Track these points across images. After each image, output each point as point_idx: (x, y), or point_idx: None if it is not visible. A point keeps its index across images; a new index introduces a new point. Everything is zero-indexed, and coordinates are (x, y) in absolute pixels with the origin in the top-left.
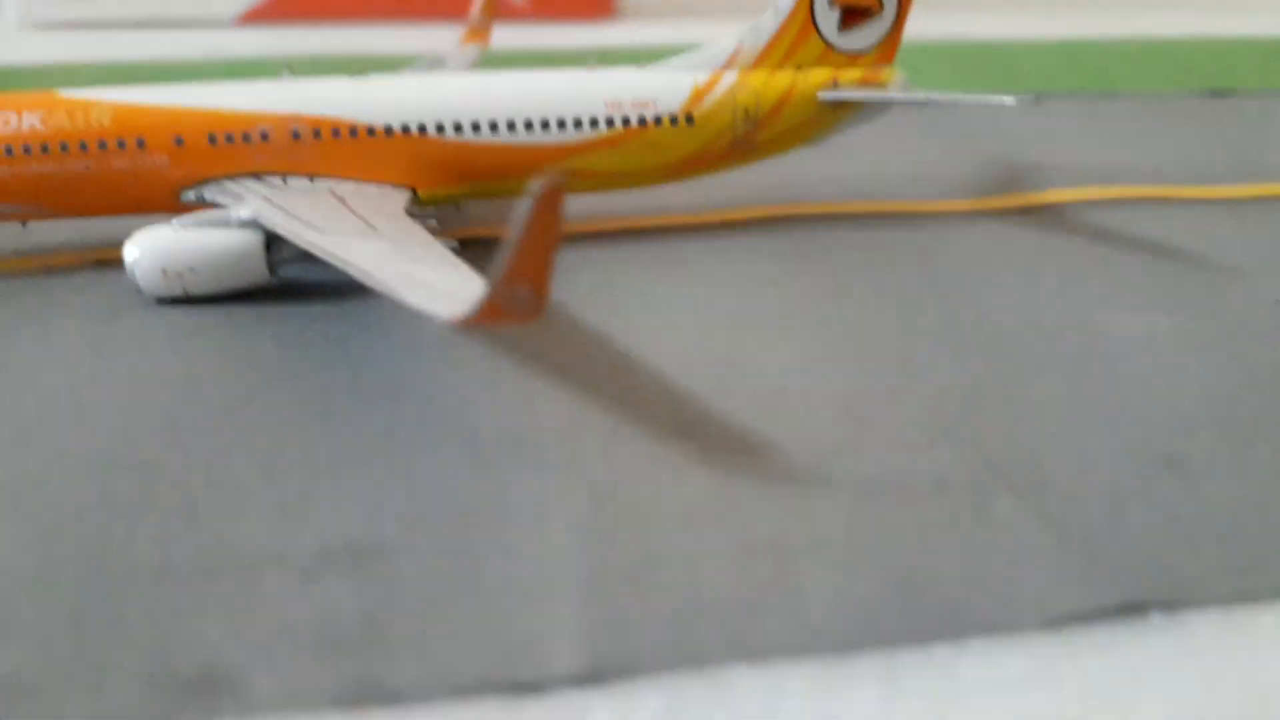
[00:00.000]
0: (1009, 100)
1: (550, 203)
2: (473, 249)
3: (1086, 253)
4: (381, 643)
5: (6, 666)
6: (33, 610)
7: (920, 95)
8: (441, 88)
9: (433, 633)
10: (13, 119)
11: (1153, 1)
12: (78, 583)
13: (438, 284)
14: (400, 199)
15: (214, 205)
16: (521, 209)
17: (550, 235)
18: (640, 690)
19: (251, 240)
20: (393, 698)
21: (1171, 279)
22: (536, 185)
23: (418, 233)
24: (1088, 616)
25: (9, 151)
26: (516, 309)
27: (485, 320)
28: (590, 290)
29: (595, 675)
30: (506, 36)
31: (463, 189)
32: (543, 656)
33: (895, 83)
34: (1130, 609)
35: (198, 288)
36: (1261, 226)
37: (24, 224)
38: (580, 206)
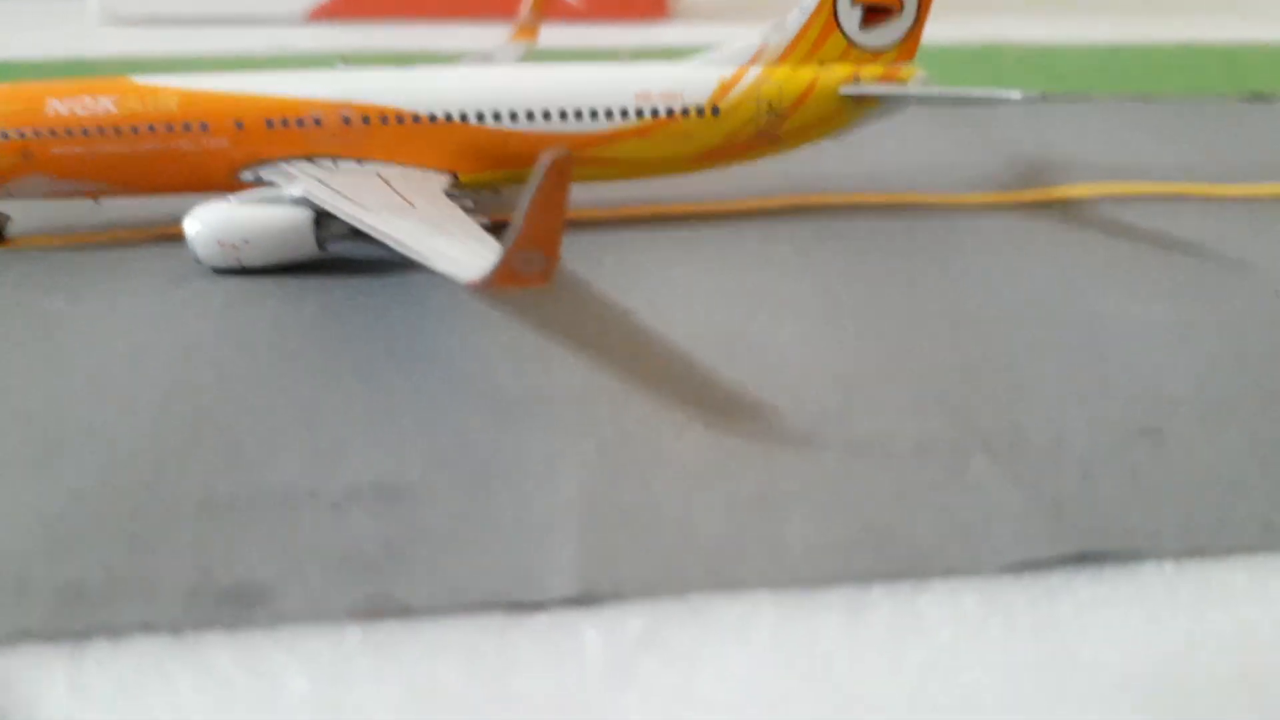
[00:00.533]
0: (1015, 95)
1: (558, 175)
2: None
3: (1096, 245)
4: (398, 566)
5: (72, 574)
6: (95, 530)
7: (936, 91)
8: (482, 79)
9: (445, 559)
10: (89, 102)
11: (1193, 6)
12: (134, 509)
13: (464, 254)
14: (441, 182)
15: (269, 184)
16: (531, 180)
17: (557, 204)
18: (625, 612)
19: (302, 216)
20: (404, 611)
21: (1177, 272)
22: (545, 159)
23: (453, 211)
24: (1046, 565)
25: (85, 132)
26: (529, 272)
27: (501, 283)
28: (613, 269)
29: (585, 598)
30: (562, 35)
31: (500, 174)
32: (541, 581)
33: (915, 79)
34: (1087, 558)
35: (252, 259)
36: (1277, 224)
37: (96, 200)
38: (608, 193)
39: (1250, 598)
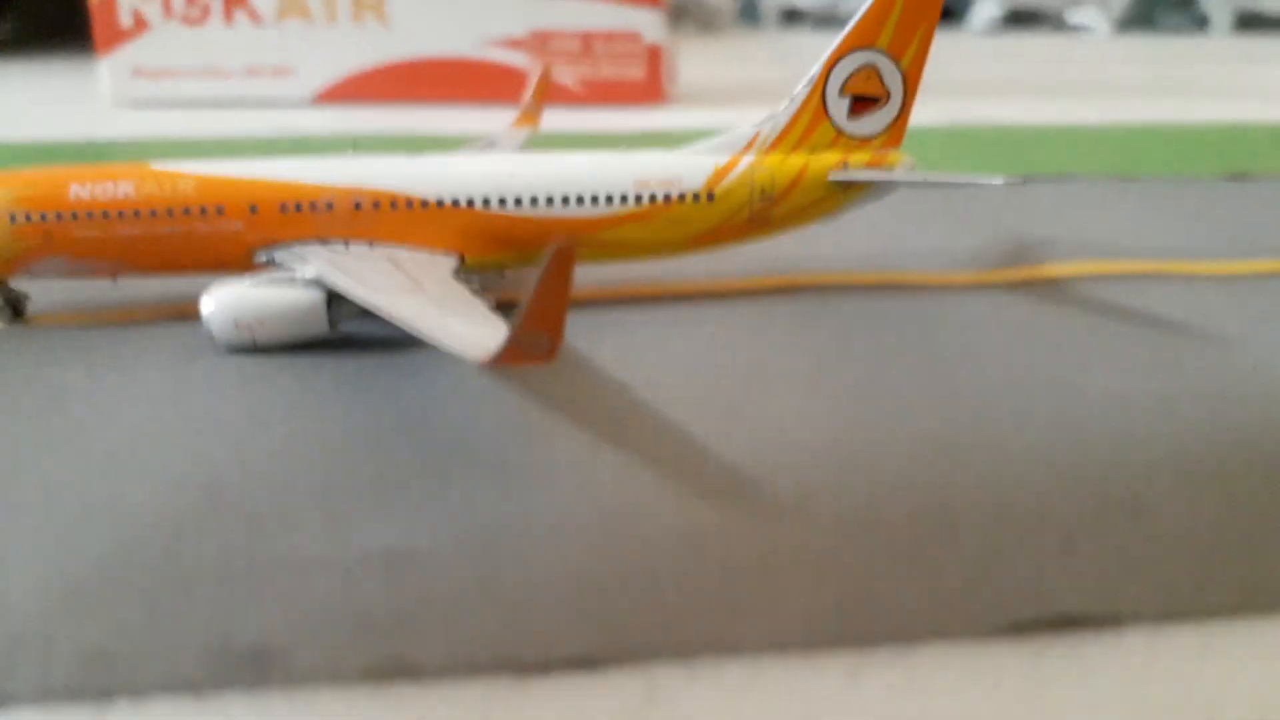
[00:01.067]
0: (997, 181)
1: (563, 262)
2: (512, 308)
3: (1078, 322)
4: (408, 630)
5: (97, 638)
6: (117, 597)
7: (922, 176)
8: (488, 166)
9: (452, 623)
10: (109, 186)
11: (1176, 88)
12: (155, 577)
13: (472, 333)
14: (449, 264)
15: (283, 265)
16: (538, 267)
17: (562, 289)
18: (627, 676)
19: (315, 297)
20: (414, 672)
21: (1156, 347)
22: (551, 247)
23: (460, 292)
24: (1030, 628)
25: (105, 215)
26: (534, 352)
27: (508, 361)
28: (614, 346)
29: (588, 661)
30: (561, 120)
31: (505, 256)
32: (545, 645)
33: (902, 165)
34: (1070, 622)
35: (265, 338)
36: (1253, 300)
37: (114, 280)
38: (609, 273)
39: (1230, 661)
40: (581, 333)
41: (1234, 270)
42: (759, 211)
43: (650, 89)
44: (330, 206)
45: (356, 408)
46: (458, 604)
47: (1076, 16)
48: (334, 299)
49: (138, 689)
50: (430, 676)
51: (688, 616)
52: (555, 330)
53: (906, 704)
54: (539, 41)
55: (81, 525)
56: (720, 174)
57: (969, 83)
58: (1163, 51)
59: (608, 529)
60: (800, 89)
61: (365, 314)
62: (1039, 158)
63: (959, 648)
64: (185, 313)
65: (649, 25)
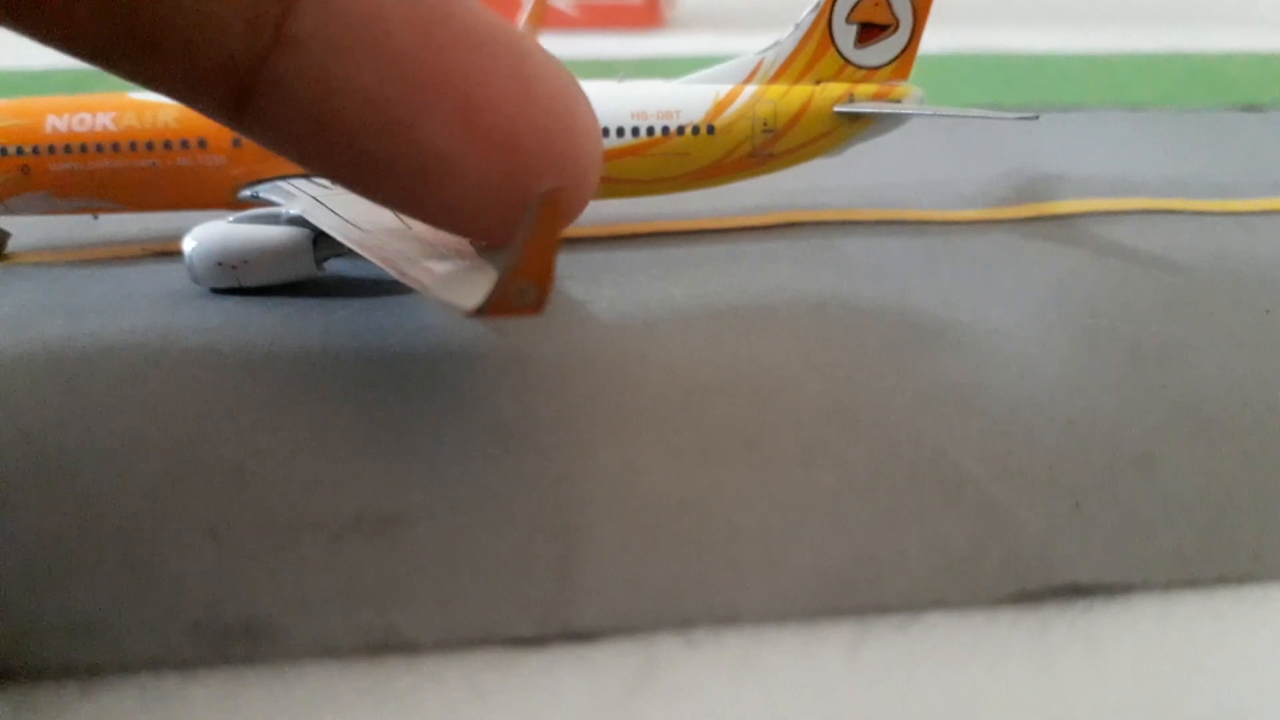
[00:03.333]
0: (1008, 115)
1: (551, 207)
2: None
3: (1088, 262)
4: (399, 598)
5: (78, 610)
6: (100, 563)
7: (931, 110)
8: None
9: (444, 592)
10: (88, 119)
11: (1187, 17)
12: (140, 541)
13: (458, 279)
14: None
15: (268, 202)
16: (526, 214)
17: (550, 237)
18: (623, 646)
19: (301, 236)
20: (406, 645)
21: (1169, 289)
22: (539, 192)
23: (448, 235)
24: (1038, 597)
25: (83, 149)
26: (522, 302)
27: (495, 312)
28: (611, 290)
29: (585, 632)
30: (556, 45)
31: None
32: (542, 615)
33: (910, 97)
34: (1079, 591)
35: (250, 279)
36: (1267, 239)
37: (95, 217)
38: (606, 211)
39: (1241, 628)
40: (576, 275)
41: (1249, 208)
42: (761, 145)
43: (648, 13)
44: None
45: (345, 356)
46: (448, 572)
47: None
48: (320, 237)
49: (124, 665)
50: (421, 649)
51: (687, 584)
52: (544, 280)
53: (910, 675)
54: None
55: (64, 480)
56: (721, 105)
57: (978, 9)
58: None
59: (604, 489)
60: (805, 15)
61: (353, 252)
62: (1048, 87)
63: (964, 617)
64: (169, 250)
65: None
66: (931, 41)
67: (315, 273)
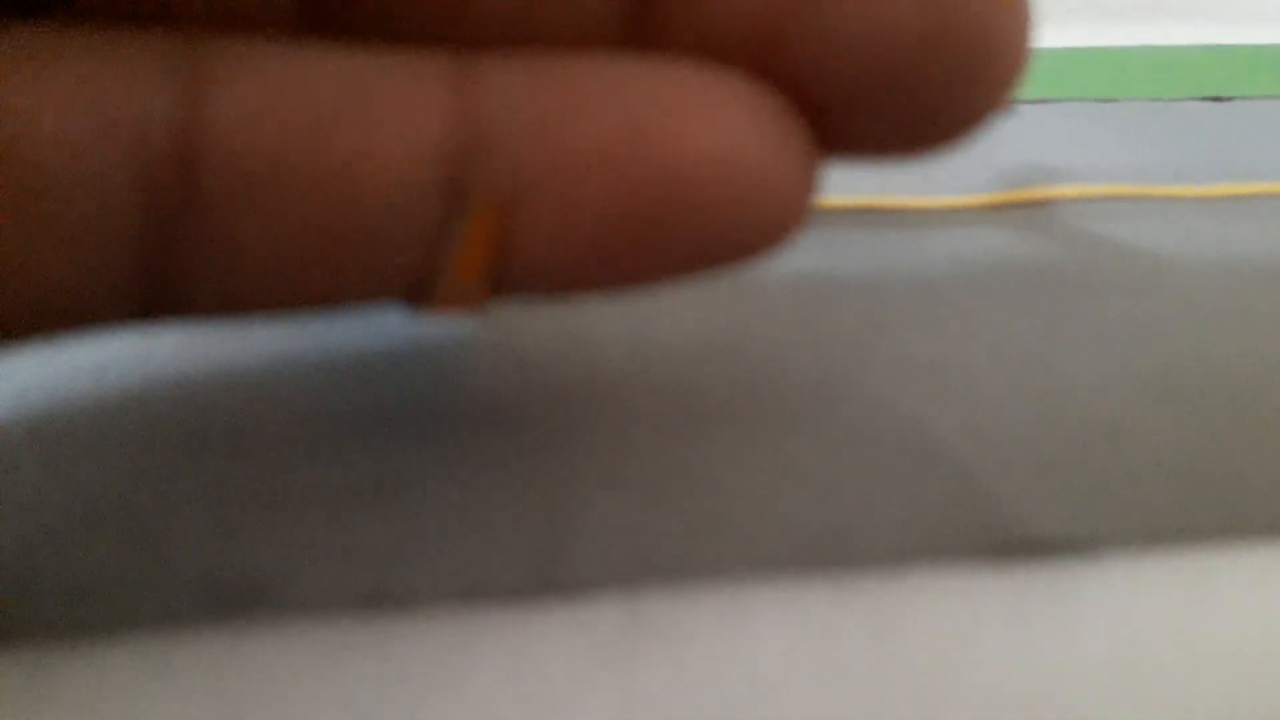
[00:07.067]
0: None
1: (483, 218)
2: None
3: (1061, 246)
4: (395, 557)
5: (80, 574)
6: (100, 529)
7: None
8: None
9: (440, 548)
10: None
11: (1158, 11)
12: (139, 507)
13: None
14: None
15: None
16: (455, 221)
17: (484, 244)
18: (605, 600)
19: None
20: (404, 600)
21: (1138, 271)
22: (475, 195)
23: None
24: (1010, 551)
25: None
26: (463, 301)
27: (436, 310)
28: None
29: (563, 584)
30: None
31: None
32: (534, 569)
33: None
34: (1048, 546)
35: None
36: (1233, 223)
37: None
38: None
39: (1212, 589)
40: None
41: (1215, 193)
42: None
43: None
44: None
45: (346, 331)
46: (444, 531)
47: None
48: None
49: (125, 625)
50: (417, 603)
51: (673, 541)
52: (482, 280)
53: (889, 625)
54: None
55: (63, 456)
56: None
57: None
58: None
59: (585, 454)
60: None
61: None
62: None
63: (940, 573)
64: None
65: None
66: None
67: None
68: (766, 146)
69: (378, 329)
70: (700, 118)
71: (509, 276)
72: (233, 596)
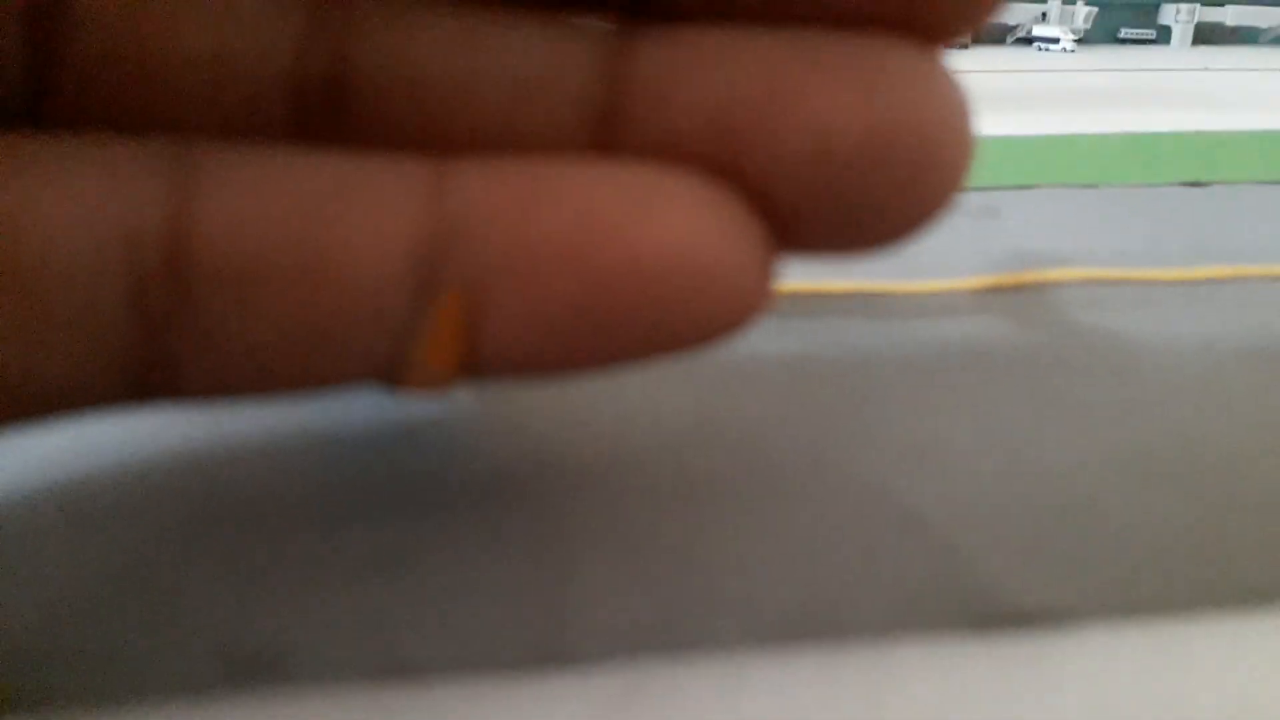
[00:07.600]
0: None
1: (453, 304)
2: None
3: (1042, 329)
4: (406, 627)
5: (100, 644)
6: (119, 600)
7: None
8: None
9: (448, 619)
10: None
11: (1138, 99)
12: (159, 578)
13: None
14: None
15: None
16: (427, 313)
17: (451, 336)
18: (605, 672)
19: None
20: (415, 668)
21: (1115, 352)
22: (445, 290)
23: None
24: (991, 624)
25: None
26: (431, 384)
27: (407, 390)
28: None
29: (565, 656)
30: None
31: None
32: (536, 639)
33: None
34: (1027, 618)
35: None
36: (1209, 304)
37: None
38: None
39: (1189, 659)
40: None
41: (1192, 275)
42: None
43: None
44: None
45: (355, 411)
46: (452, 601)
47: (1041, 30)
48: None
49: (142, 693)
50: (428, 673)
51: (669, 612)
52: (452, 364)
53: (877, 695)
54: None
55: (84, 530)
56: None
57: None
58: (1124, 63)
59: (581, 530)
60: None
61: None
62: (1003, 169)
63: (926, 644)
64: None
65: None
66: None
67: None
68: (722, 241)
69: (383, 407)
70: (658, 213)
71: (477, 360)
72: (246, 666)
